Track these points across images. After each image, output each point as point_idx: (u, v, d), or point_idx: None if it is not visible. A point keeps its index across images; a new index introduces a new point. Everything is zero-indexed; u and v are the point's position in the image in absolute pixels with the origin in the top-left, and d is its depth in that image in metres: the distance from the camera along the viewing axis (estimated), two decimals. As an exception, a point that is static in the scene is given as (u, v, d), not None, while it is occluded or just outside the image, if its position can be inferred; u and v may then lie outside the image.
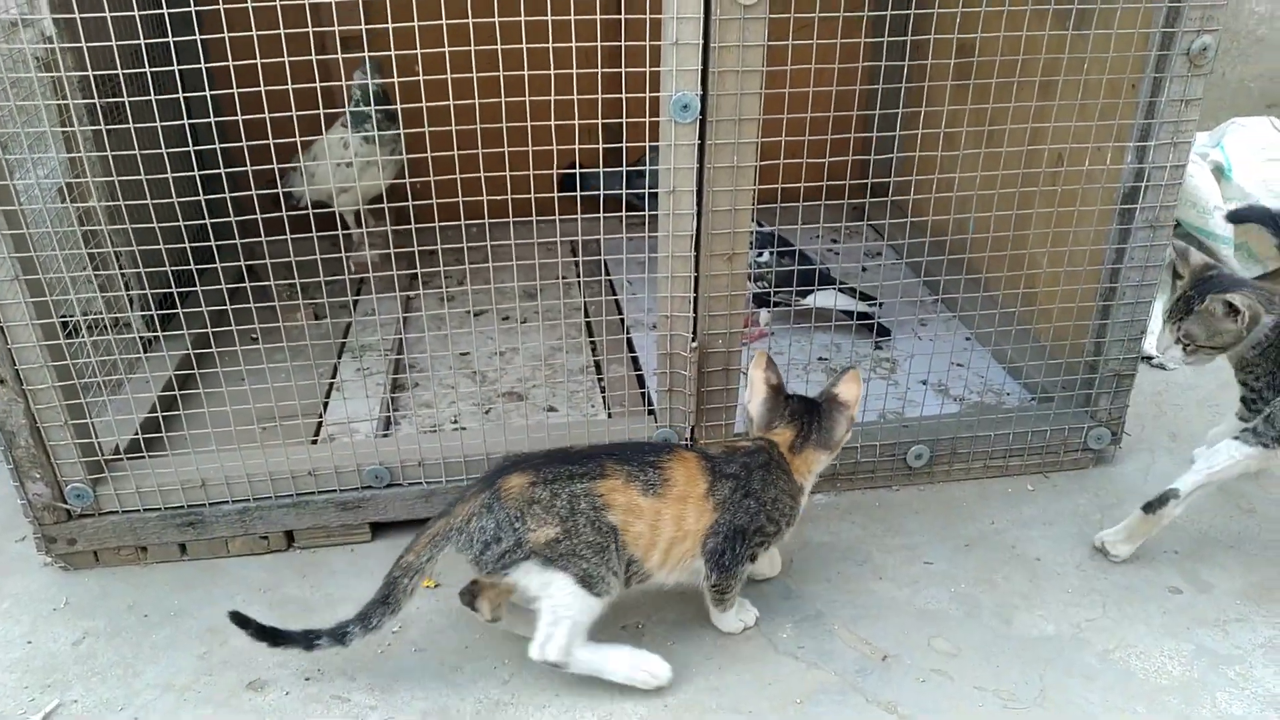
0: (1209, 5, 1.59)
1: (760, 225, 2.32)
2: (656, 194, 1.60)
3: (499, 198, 1.60)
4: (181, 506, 1.75)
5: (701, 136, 1.55)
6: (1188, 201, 2.51)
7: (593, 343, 2.37)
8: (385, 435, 1.97)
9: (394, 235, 2.51)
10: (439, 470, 1.79)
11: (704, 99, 1.53)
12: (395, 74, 1.60)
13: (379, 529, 1.85)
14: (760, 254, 2.29)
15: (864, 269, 2.68)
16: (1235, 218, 2.26)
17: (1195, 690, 1.51)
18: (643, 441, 1.54)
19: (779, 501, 1.51)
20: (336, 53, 1.83)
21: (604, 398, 2.14)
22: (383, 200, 1.93)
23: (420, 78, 1.54)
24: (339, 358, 2.31)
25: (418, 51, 1.49)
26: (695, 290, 1.68)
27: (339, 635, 1.45)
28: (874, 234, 2.89)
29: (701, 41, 1.48)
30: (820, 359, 2.31)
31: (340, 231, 1.82)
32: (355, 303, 2.58)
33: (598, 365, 2.28)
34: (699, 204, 1.60)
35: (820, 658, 1.57)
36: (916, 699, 1.50)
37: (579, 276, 2.70)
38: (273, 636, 1.47)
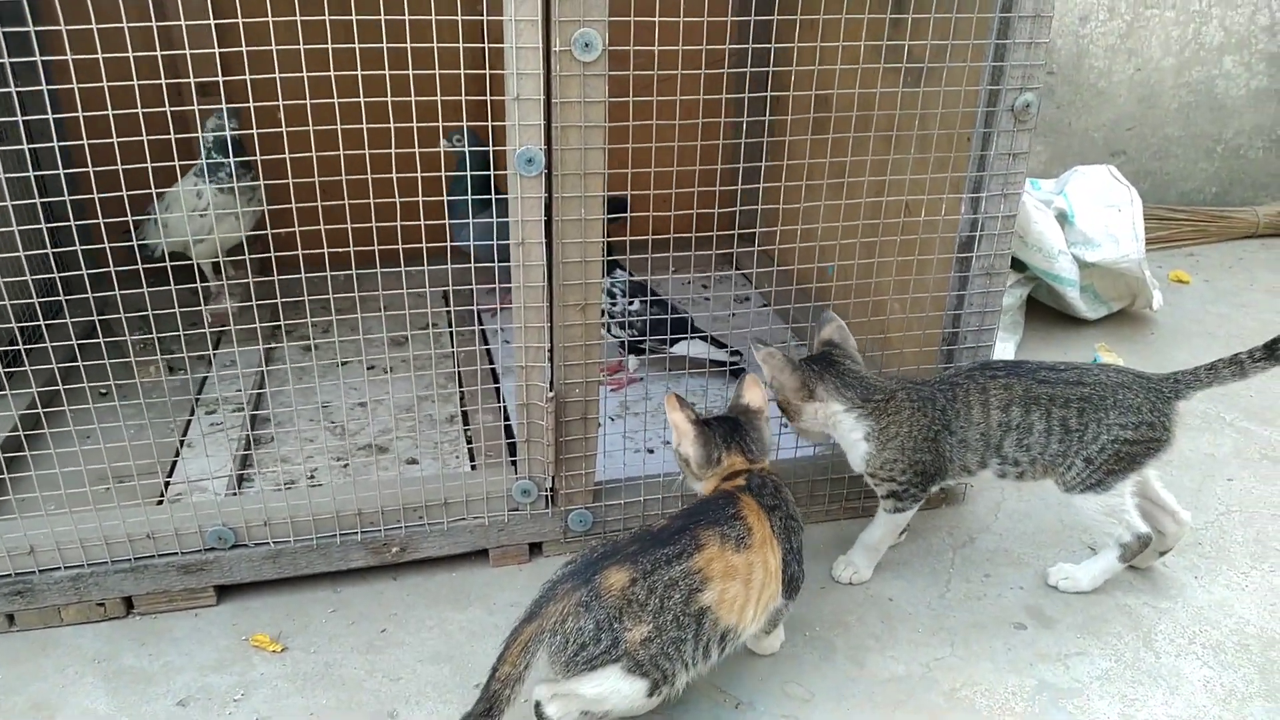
0: (1029, 65, 1.67)
1: (631, 275, 2.35)
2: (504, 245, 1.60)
3: (365, 247, 1.57)
4: (8, 574, 1.65)
5: (549, 190, 1.56)
6: (1035, 247, 2.63)
7: (462, 392, 2.34)
8: (238, 492, 1.91)
9: (255, 285, 2.45)
10: (287, 530, 1.73)
11: (549, 153, 1.54)
12: (254, 123, 1.57)
13: (225, 591, 1.78)
14: (630, 302, 2.31)
15: (732, 314, 2.72)
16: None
17: (1037, 724, 1.56)
18: (703, 500, 1.50)
19: (794, 508, 1.56)
20: (193, 102, 1.80)
21: (470, 449, 2.11)
22: (243, 250, 1.89)
23: (283, 128, 1.50)
24: (193, 413, 2.23)
25: (279, 103, 1.47)
26: (550, 339, 1.68)
27: None
28: (744, 280, 2.95)
29: (544, 97, 1.49)
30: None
31: (199, 283, 1.77)
32: (214, 355, 2.50)
33: (465, 415, 2.26)
34: (549, 255, 1.60)
35: (673, 709, 1.56)
36: (768, 746, 1.50)
37: (450, 325, 2.67)
38: None
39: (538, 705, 1.41)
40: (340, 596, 1.80)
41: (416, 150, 1.54)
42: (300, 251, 1.58)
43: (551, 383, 1.71)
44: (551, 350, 1.68)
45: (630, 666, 1.34)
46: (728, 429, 1.59)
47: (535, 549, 1.90)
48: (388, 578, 1.84)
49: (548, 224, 1.58)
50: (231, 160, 2.30)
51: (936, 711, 1.57)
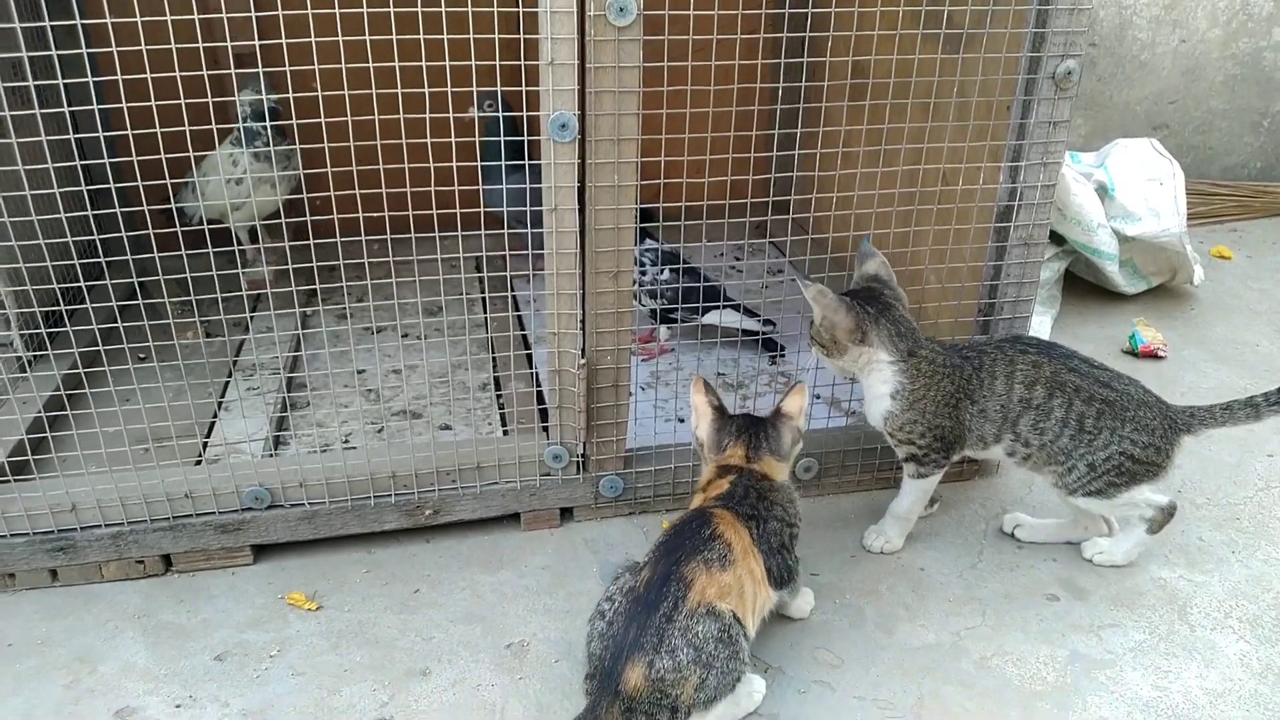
0: (1071, 31, 1.64)
1: (660, 243, 2.34)
2: (539, 211, 1.60)
3: (400, 213, 1.59)
4: (51, 531, 1.69)
5: (582, 156, 1.56)
6: (1073, 220, 2.59)
7: (494, 359, 2.35)
8: (273, 455, 1.93)
9: (292, 251, 2.47)
10: (322, 491, 1.75)
11: (583, 119, 1.53)
12: (290, 89, 1.58)
13: (261, 551, 1.81)
14: (660, 271, 2.31)
15: (765, 286, 2.71)
16: None
17: (1068, 695, 1.55)
18: (677, 526, 1.49)
19: (785, 508, 1.56)
20: (230, 68, 1.81)
21: (502, 415, 2.12)
22: (280, 216, 1.91)
23: (319, 93, 1.51)
24: (230, 377, 2.26)
25: (315, 67, 1.48)
26: (582, 307, 1.68)
27: None
28: (776, 251, 2.93)
29: (578, 62, 1.49)
30: (719, 374, 2.33)
31: (235, 248, 1.79)
32: (251, 320, 2.53)
33: (498, 382, 2.27)
34: (582, 221, 1.60)
35: (704, 672, 1.57)
36: (797, 710, 1.51)
37: (483, 293, 2.68)
38: None
39: None
40: (374, 558, 1.82)
41: (451, 115, 1.54)
42: (335, 216, 1.59)
43: (584, 350, 1.71)
44: (584, 318, 1.68)
45: (703, 708, 1.36)
46: (746, 424, 1.60)
47: (566, 514, 1.91)
48: (421, 540, 1.86)
49: (580, 190, 1.58)
50: (268, 127, 2.31)
51: (966, 679, 1.57)
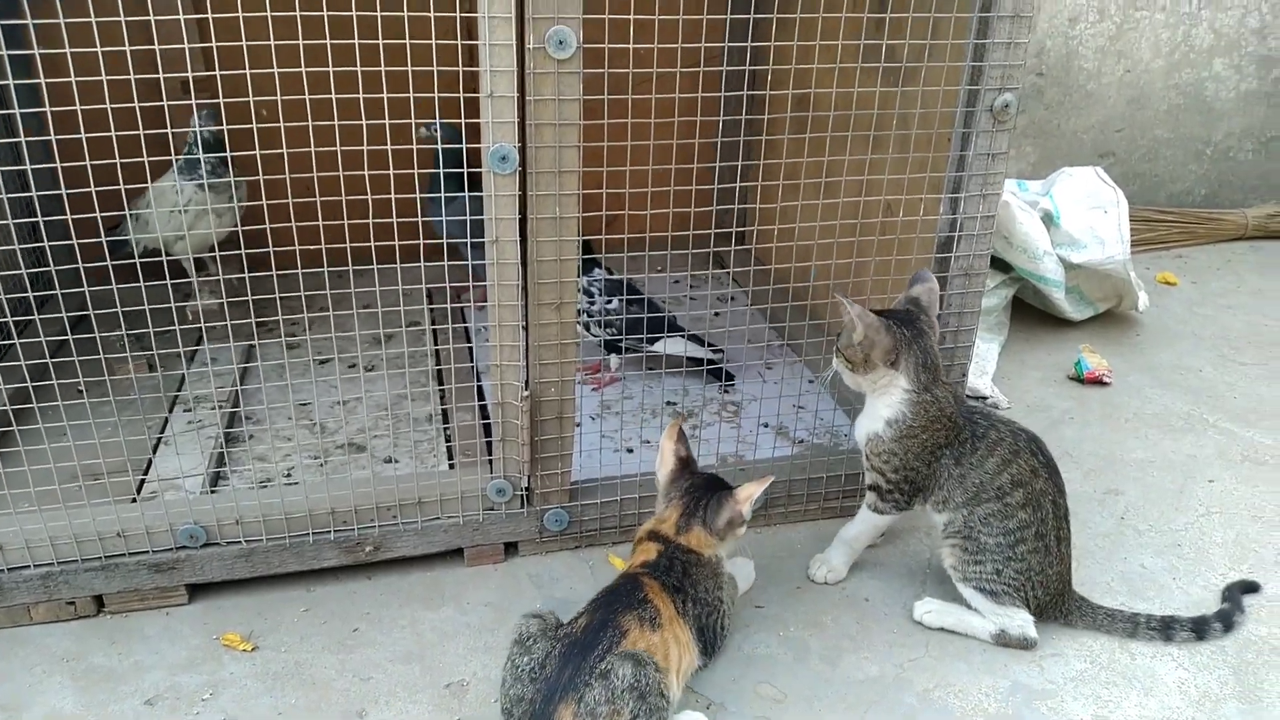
0: (1008, 65, 1.66)
1: (610, 273, 2.34)
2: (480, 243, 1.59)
3: (340, 246, 1.57)
4: (-24, 573, 1.64)
5: (524, 188, 1.55)
6: (1019, 248, 2.62)
7: (442, 391, 2.33)
8: (213, 490, 1.90)
9: (236, 283, 2.44)
10: (259, 528, 1.72)
11: (524, 151, 1.53)
12: (225, 121, 1.56)
13: (197, 590, 1.77)
14: (609, 301, 2.30)
15: (715, 314, 2.71)
16: None
17: (1010, 727, 1.55)
18: (609, 588, 1.51)
19: (708, 589, 1.56)
20: (177, 98, 1.79)
21: (449, 448, 2.10)
22: (224, 247, 1.91)
23: (253, 125, 1.49)
24: (170, 411, 2.22)
25: (249, 99, 1.46)
26: (526, 339, 1.67)
27: None
28: (733, 281, 2.93)
29: (518, 95, 1.48)
30: (669, 403, 2.32)
31: (169, 281, 1.75)
32: (193, 353, 2.49)
33: (445, 415, 2.25)
34: (524, 253, 1.59)
35: (647, 709, 1.55)
36: (739, 748, 1.49)
37: (433, 323, 2.66)
38: None
39: None
40: (313, 596, 1.79)
41: (389, 146, 1.53)
42: (271, 249, 1.57)
43: (527, 382, 1.70)
44: (527, 349, 1.67)
45: None
46: (693, 489, 1.60)
47: (511, 549, 1.89)
48: (362, 577, 1.83)
49: (523, 222, 1.57)
50: (202, 156, 2.28)
51: (909, 712, 1.56)
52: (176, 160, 2.34)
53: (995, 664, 1.66)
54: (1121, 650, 1.70)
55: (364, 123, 1.51)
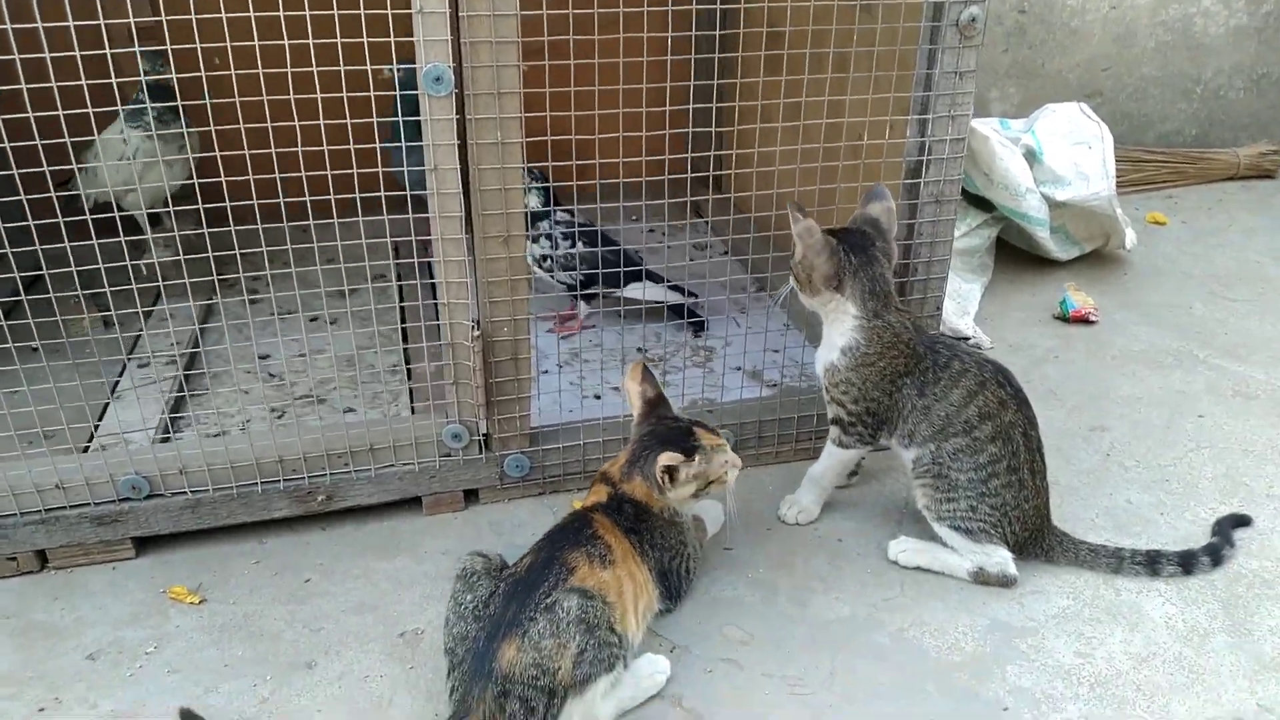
0: (975, -26, 1.58)
1: (571, 215, 2.26)
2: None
3: (297, 199, 1.50)
4: (-90, 530, 1.57)
5: (462, 111, 1.47)
6: (1000, 185, 2.54)
7: (405, 347, 2.25)
8: (164, 441, 1.83)
9: (194, 238, 2.36)
10: (204, 478, 1.65)
11: (460, 73, 1.45)
12: (174, 70, 1.48)
13: (145, 544, 1.70)
14: (573, 245, 2.22)
15: (690, 260, 2.63)
16: None
17: (986, 664, 1.49)
18: (558, 526, 1.46)
19: (665, 533, 1.49)
20: (124, 46, 1.70)
21: (411, 394, 2.03)
22: (169, 203, 1.84)
23: (202, 73, 1.41)
24: (124, 368, 2.14)
25: (196, 46, 1.38)
26: (474, 275, 1.60)
27: None
28: (704, 226, 2.85)
29: (450, 10, 1.40)
30: (639, 349, 2.25)
31: (122, 237, 1.66)
32: (150, 310, 2.41)
33: (409, 368, 2.17)
34: (465, 182, 1.52)
35: (607, 654, 1.49)
36: (703, 690, 1.43)
37: (399, 277, 2.58)
38: None
39: None
40: (265, 548, 1.72)
41: (344, 94, 1.45)
42: (228, 203, 1.49)
43: (477, 321, 1.63)
44: (475, 285, 1.60)
45: (580, 687, 1.28)
46: (650, 439, 1.51)
47: (471, 496, 1.82)
48: (316, 528, 1.77)
49: (462, 149, 1.49)
50: (149, 105, 2.20)
51: (881, 652, 1.50)
52: (122, 109, 2.26)
53: (973, 602, 1.60)
54: (1106, 586, 1.63)
55: (315, 69, 1.42)
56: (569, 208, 2.27)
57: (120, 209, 2.33)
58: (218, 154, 1.49)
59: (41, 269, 1.50)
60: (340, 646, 1.52)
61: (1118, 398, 2.18)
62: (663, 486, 1.45)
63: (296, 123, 1.45)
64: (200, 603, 1.60)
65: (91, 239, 1.52)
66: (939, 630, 1.55)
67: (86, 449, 1.79)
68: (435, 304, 1.64)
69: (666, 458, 1.43)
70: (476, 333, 1.62)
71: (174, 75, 1.51)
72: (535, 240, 2.22)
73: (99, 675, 1.47)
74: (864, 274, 1.58)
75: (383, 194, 1.56)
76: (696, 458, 1.45)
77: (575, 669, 1.27)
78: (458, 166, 1.50)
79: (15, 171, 1.45)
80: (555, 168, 2.00)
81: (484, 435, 1.75)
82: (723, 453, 1.50)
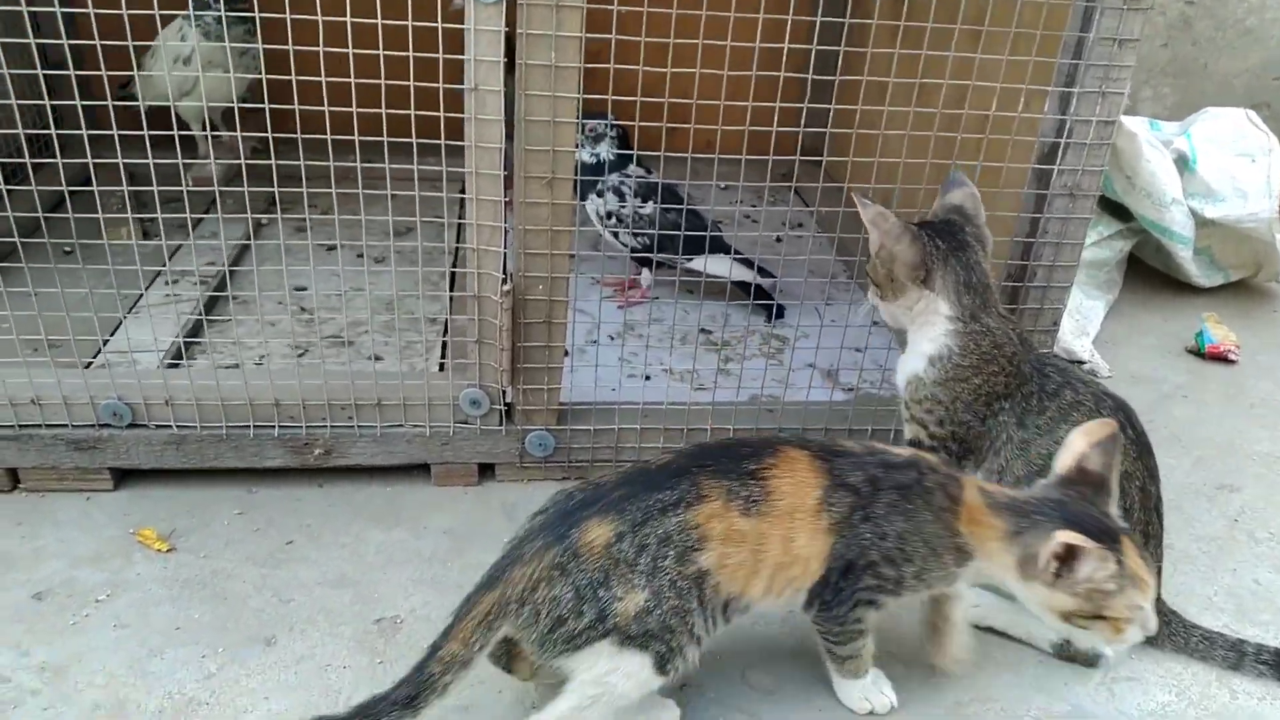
0: (1156, -81, 1.28)
1: (648, 173, 2.02)
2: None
3: (373, 111, 1.29)
4: (-126, 430, 1.44)
5: (512, 24, 1.25)
6: (1143, 191, 2.21)
7: (452, 295, 2.05)
8: (172, 367, 1.66)
9: (254, 150, 2.20)
10: (191, 413, 1.48)
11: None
12: None
13: (125, 476, 1.55)
14: (643, 204, 1.99)
15: (777, 239, 2.37)
16: None
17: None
18: (735, 440, 1.20)
19: (909, 541, 1.13)
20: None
21: (444, 349, 1.82)
22: (239, 111, 1.68)
23: None
24: (153, 280, 1.99)
25: None
26: (508, 219, 1.38)
27: None
28: (800, 202, 2.58)
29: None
30: (703, 330, 2.01)
31: (176, 136, 1.48)
32: (198, 223, 2.26)
33: (450, 317, 1.97)
34: (509, 111, 1.29)
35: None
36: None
37: (461, 216, 2.38)
38: None
39: None
40: (254, 498, 1.55)
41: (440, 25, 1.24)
42: (296, 107, 1.31)
43: (508, 273, 1.41)
44: (508, 233, 1.38)
45: (623, 641, 1.07)
46: (1058, 505, 1.12)
47: (487, 471, 1.62)
48: (313, 484, 1.59)
49: (509, 67, 1.27)
50: (222, 6, 2.03)
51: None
52: (189, 11, 2.10)
53: (1052, 682, 1.33)
54: (1219, 685, 1.34)
55: None
56: (647, 165, 2.03)
57: (178, 119, 2.19)
58: (290, 48, 1.28)
59: (88, 173, 1.35)
60: (308, 624, 1.33)
61: (1254, 453, 1.86)
62: (1040, 569, 1.07)
63: (379, 21, 1.25)
64: (169, 550, 1.44)
65: (146, 150, 1.36)
66: (1006, 711, 1.28)
67: (89, 365, 1.64)
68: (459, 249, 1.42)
69: (1081, 540, 1.04)
70: (507, 287, 1.40)
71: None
72: (601, 195, 1.99)
73: (40, 619, 1.31)
74: (955, 261, 1.31)
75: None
76: (1113, 564, 1.07)
77: (635, 620, 1.06)
78: (502, 89, 1.27)
79: (73, 72, 1.31)
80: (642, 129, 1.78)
81: (507, 405, 1.54)
82: (1140, 592, 1.09)
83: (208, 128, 2.26)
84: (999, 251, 1.54)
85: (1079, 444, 1.15)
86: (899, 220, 1.31)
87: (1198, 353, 2.17)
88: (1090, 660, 1.35)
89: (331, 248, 2.15)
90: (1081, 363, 2.05)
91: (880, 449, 1.18)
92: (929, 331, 1.34)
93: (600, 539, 1.06)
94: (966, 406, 1.33)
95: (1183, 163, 2.27)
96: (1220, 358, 2.15)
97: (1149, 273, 2.46)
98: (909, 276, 1.31)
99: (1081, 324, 2.13)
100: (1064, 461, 1.15)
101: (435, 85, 1.28)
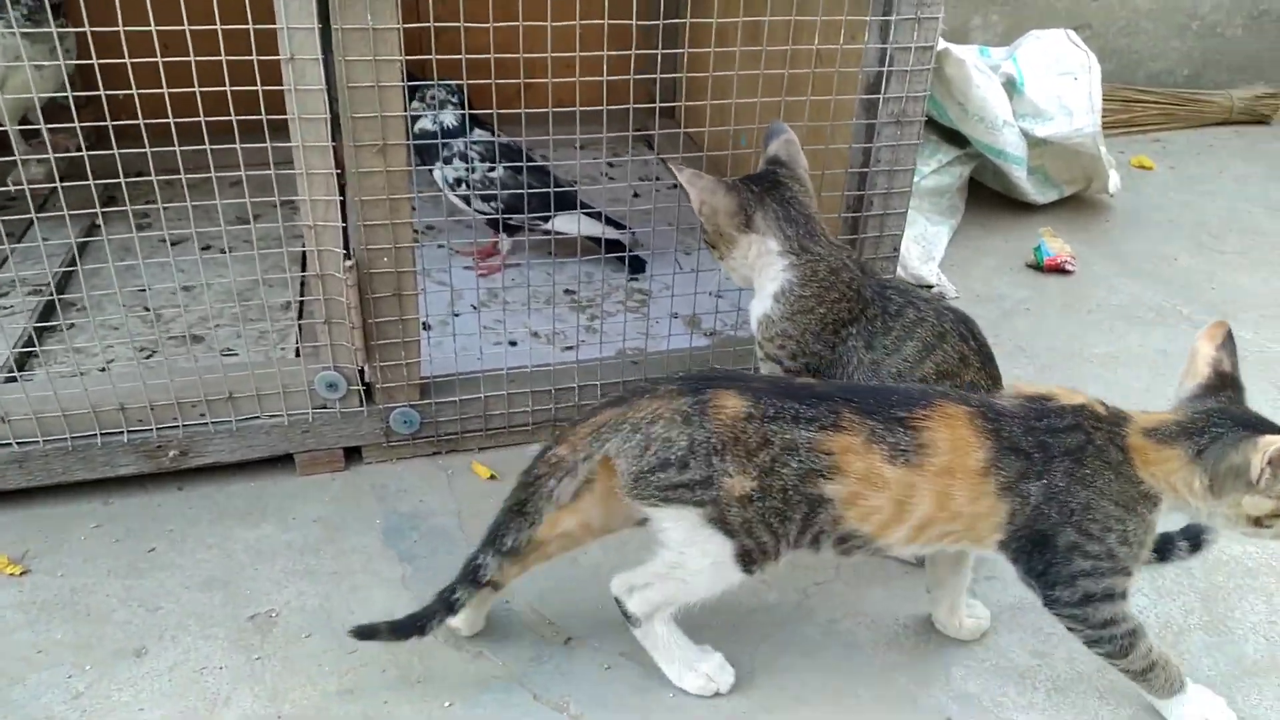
0: None
1: (495, 135, 2.00)
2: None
3: (190, 120, 1.23)
4: None
5: (324, -11, 1.21)
6: (975, 116, 2.29)
7: (303, 277, 1.99)
8: (10, 380, 1.57)
9: (73, 152, 2.08)
10: (31, 428, 1.41)
11: (319, -62, 1.18)
12: None
13: (-38, 502, 1.47)
14: (491, 168, 1.96)
15: (635, 194, 2.38)
16: None
17: (929, 665, 1.29)
18: (891, 386, 1.16)
19: (1098, 509, 1.07)
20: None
21: (299, 334, 1.77)
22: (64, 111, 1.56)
23: None
24: (-22, 295, 1.88)
25: None
26: (342, 193, 1.34)
27: (471, 577, 1.13)
28: (658, 162, 2.59)
29: None
30: (567, 291, 2.00)
31: None
32: (25, 229, 2.13)
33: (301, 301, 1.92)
34: (328, 78, 1.26)
35: (490, 646, 1.27)
36: (594, 692, 1.22)
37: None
38: (405, 631, 1.14)
39: (618, 601, 1.17)
40: (110, 510, 1.49)
41: None
42: (108, 122, 1.22)
43: (348, 248, 1.38)
44: (345, 206, 1.35)
45: (714, 518, 1.06)
46: (1229, 418, 1.08)
47: (354, 455, 1.59)
48: (172, 487, 1.53)
49: (324, 34, 1.23)
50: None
51: (810, 647, 1.29)
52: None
53: (918, 591, 1.39)
54: (1069, 571, 1.43)
55: None
56: (489, 125, 2.00)
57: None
58: (95, 61, 1.20)
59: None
60: (178, 630, 1.29)
61: (1093, 356, 1.97)
62: (1256, 478, 1.03)
63: (186, 27, 1.18)
64: (22, 574, 1.37)
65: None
66: (876, 623, 1.34)
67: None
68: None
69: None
70: (349, 263, 1.37)
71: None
72: (449, 161, 1.96)
73: (-113, 659, 1.24)
74: (771, 199, 1.36)
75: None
76: None
77: (737, 504, 1.06)
78: (319, 56, 1.23)
79: None
80: (476, 89, 1.75)
81: (366, 385, 1.51)
82: None
83: (15, 134, 2.13)
84: (836, 183, 1.58)
85: (1207, 350, 1.14)
86: (712, 176, 1.35)
87: (1037, 266, 2.27)
88: None
89: (174, 242, 2.07)
90: (929, 286, 2.13)
91: (1038, 398, 1.11)
92: (769, 272, 1.37)
93: (730, 409, 1.06)
94: (815, 336, 1.36)
95: (1011, 86, 2.36)
96: (1058, 269, 2.26)
97: (989, 195, 2.56)
98: (732, 225, 1.35)
99: (928, 249, 2.21)
100: (1199, 369, 1.13)
101: (249, 58, 1.22)
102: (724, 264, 1.42)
